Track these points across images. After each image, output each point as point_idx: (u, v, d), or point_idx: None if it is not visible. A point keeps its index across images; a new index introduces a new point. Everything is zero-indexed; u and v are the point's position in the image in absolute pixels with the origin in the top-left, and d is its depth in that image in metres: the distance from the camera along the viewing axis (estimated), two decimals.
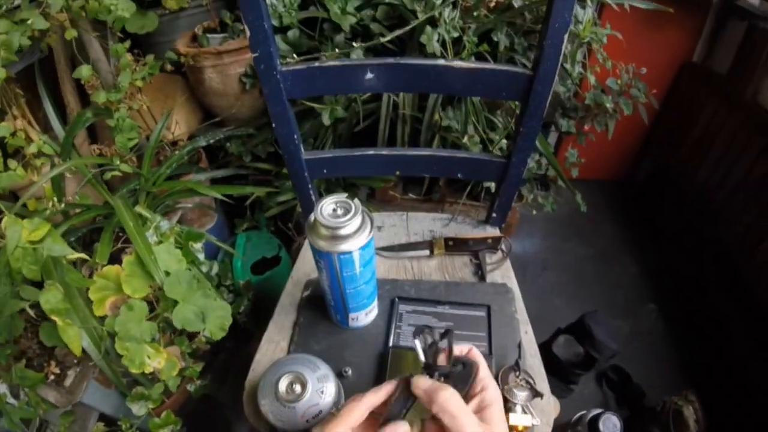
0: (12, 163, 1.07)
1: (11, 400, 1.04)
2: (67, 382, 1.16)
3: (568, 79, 1.43)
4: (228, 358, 1.54)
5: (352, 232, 0.62)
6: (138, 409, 1.02)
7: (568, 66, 1.36)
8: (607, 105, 1.45)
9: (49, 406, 1.07)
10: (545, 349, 1.44)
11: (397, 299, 0.83)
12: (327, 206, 0.63)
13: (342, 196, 0.64)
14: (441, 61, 0.76)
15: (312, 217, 0.63)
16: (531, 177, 1.51)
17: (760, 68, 1.60)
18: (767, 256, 1.52)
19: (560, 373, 1.44)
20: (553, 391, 0.75)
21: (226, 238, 1.64)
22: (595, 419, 1.23)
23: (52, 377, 1.10)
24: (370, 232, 0.64)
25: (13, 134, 1.09)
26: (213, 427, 1.44)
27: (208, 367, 1.49)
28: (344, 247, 0.62)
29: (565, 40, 0.67)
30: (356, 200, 0.63)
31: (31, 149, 1.09)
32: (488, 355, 0.76)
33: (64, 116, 1.32)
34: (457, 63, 0.75)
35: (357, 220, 0.62)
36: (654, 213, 2.16)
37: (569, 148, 1.58)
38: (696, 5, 1.79)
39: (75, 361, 1.17)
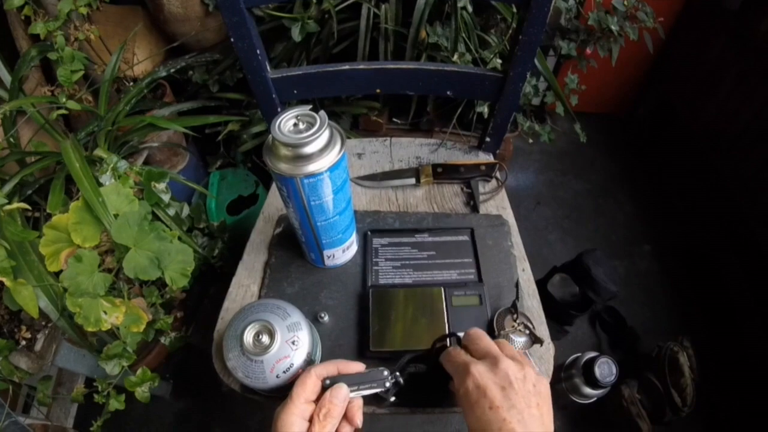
0: None
1: None
2: (38, 346, 1.09)
3: None
4: (212, 306, 1.47)
5: (318, 150, 0.51)
6: (111, 368, 0.95)
7: None
8: (612, 27, 1.33)
9: (23, 373, 1.00)
10: (539, 288, 1.35)
11: (369, 233, 0.74)
12: (286, 121, 0.52)
13: (304, 109, 0.53)
14: None
15: (270, 135, 0.52)
16: (527, 106, 1.40)
17: None
18: None
19: (555, 314, 1.39)
20: None
21: (201, 178, 1.53)
22: (591, 362, 1.19)
23: (23, 343, 1.03)
24: (341, 150, 0.53)
25: None
26: (200, 381, 1.39)
27: (192, 316, 1.42)
28: (310, 168, 0.52)
29: None
30: (322, 112, 0.52)
31: None
32: (478, 282, 0.69)
33: None
34: None
35: (324, 136, 0.51)
36: (654, 151, 2.06)
37: (569, 73, 1.46)
38: None
39: (43, 323, 1.09)
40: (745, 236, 1.58)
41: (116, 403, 0.99)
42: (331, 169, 0.53)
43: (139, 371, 0.98)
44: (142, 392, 1.00)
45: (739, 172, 1.60)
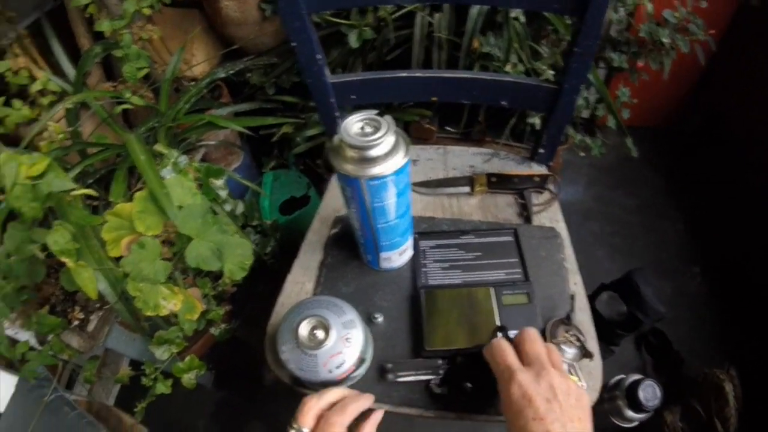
0: (16, 103, 1.02)
1: (39, 347, 1.02)
2: (90, 327, 1.14)
3: (621, 6, 1.28)
4: (259, 303, 1.50)
5: (384, 153, 0.53)
6: (161, 353, 0.98)
7: None
8: (664, 40, 1.30)
9: (73, 351, 1.05)
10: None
11: (417, 236, 0.75)
12: (354, 124, 0.54)
13: (371, 113, 0.54)
14: None
15: (336, 136, 0.54)
16: (576, 118, 1.38)
17: None
18: None
19: (601, 333, 1.33)
20: None
21: (254, 177, 1.57)
22: (635, 385, 1.17)
23: (76, 323, 1.07)
24: (406, 154, 0.54)
25: (15, 72, 1.03)
26: (242, 373, 1.42)
27: (239, 311, 1.46)
28: (375, 170, 0.53)
29: None
30: (388, 117, 0.53)
31: (35, 87, 1.04)
32: (526, 281, 0.70)
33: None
34: None
35: (389, 140, 0.53)
36: (706, 165, 1.98)
37: (620, 86, 1.44)
38: None
39: (98, 305, 1.14)
40: None
41: (163, 387, 1.02)
42: (396, 173, 0.54)
43: (187, 358, 1.01)
44: (188, 379, 1.03)
45: None
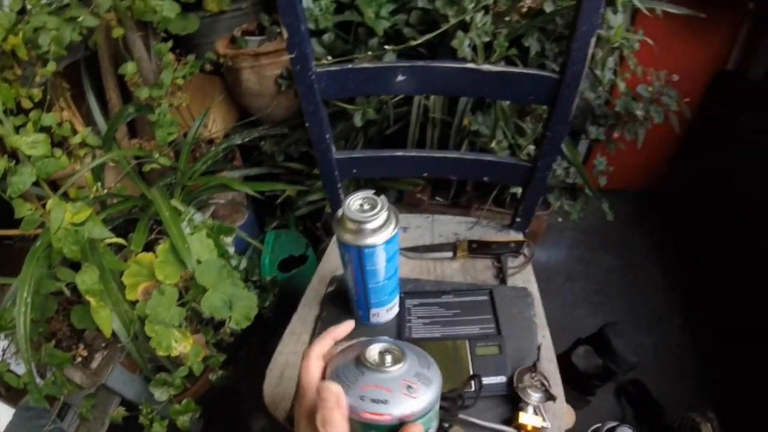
0: (57, 152, 1.12)
1: (37, 380, 1.08)
2: (94, 364, 1.20)
3: (599, 85, 1.42)
4: (251, 353, 1.58)
5: (378, 227, 0.64)
6: (160, 394, 1.05)
7: (598, 72, 1.35)
8: (638, 112, 1.42)
9: (74, 386, 1.11)
10: (565, 359, 1.42)
11: (403, 294, 0.85)
12: (354, 201, 0.65)
13: (369, 193, 0.65)
14: (470, 65, 0.77)
15: (340, 211, 0.65)
16: (559, 185, 1.50)
17: None
18: None
19: (578, 384, 1.42)
20: (570, 401, 0.76)
21: (256, 235, 1.67)
22: (611, 431, 1.24)
23: (79, 359, 1.15)
24: (395, 228, 0.65)
25: (60, 125, 1.13)
26: (230, 419, 1.46)
27: (231, 359, 1.52)
28: (369, 241, 0.64)
29: (593, 45, 0.67)
30: (383, 197, 0.65)
31: (76, 139, 1.13)
32: (498, 335, 0.79)
33: (107, 112, 1.38)
34: (486, 66, 0.76)
35: (383, 216, 0.64)
36: (686, 225, 2.10)
37: (598, 156, 1.56)
38: (731, 11, 1.73)
39: (103, 344, 1.21)
40: None
41: (159, 427, 1.08)
42: (386, 243, 0.65)
43: (184, 401, 1.08)
44: (183, 421, 1.09)
45: None
